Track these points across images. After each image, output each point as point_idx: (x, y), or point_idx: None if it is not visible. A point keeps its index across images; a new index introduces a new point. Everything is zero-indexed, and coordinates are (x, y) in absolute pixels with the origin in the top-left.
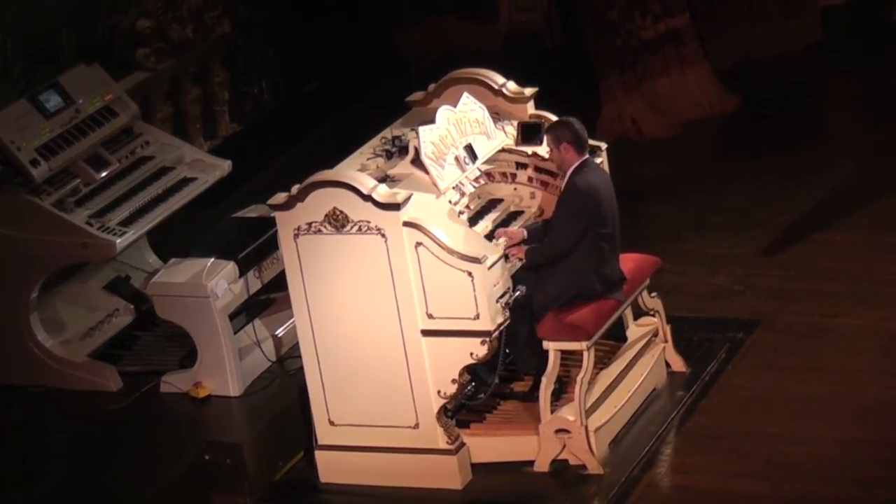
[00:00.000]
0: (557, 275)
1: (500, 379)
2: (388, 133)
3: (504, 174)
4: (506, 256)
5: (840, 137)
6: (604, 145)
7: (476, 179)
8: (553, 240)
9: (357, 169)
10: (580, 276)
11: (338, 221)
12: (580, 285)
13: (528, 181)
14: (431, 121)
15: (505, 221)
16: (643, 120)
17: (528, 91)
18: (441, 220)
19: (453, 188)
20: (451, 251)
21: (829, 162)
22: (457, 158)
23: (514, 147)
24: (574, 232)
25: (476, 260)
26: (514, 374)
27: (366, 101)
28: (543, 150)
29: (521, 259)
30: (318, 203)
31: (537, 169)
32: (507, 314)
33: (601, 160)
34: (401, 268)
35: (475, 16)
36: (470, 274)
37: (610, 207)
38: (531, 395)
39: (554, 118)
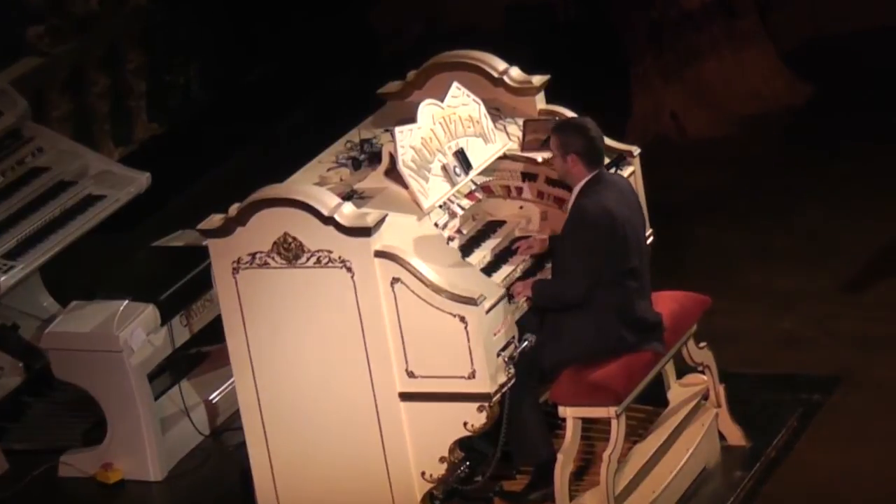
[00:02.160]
0: (575, 323)
1: (504, 455)
2: (354, 135)
3: (506, 188)
4: (509, 296)
5: None
6: (635, 150)
7: (470, 195)
8: (563, 282)
9: (315, 183)
10: (604, 327)
11: (290, 251)
12: (605, 338)
13: (537, 197)
14: (412, 119)
15: (507, 250)
16: (687, 116)
17: (537, 80)
18: (425, 249)
19: (440, 207)
20: (437, 289)
21: None
22: (445, 168)
23: (518, 153)
24: (583, 273)
25: (470, 301)
26: (509, 462)
27: (325, 93)
28: None
29: (528, 298)
30: (265, 227)
31: (549, 181)
32: (512, 371)
33: (632, 170)
34: (373, 312)
35: None
36: (463, 319)
37: (633, 234)
38: (525, 499)
39: (571, 114)
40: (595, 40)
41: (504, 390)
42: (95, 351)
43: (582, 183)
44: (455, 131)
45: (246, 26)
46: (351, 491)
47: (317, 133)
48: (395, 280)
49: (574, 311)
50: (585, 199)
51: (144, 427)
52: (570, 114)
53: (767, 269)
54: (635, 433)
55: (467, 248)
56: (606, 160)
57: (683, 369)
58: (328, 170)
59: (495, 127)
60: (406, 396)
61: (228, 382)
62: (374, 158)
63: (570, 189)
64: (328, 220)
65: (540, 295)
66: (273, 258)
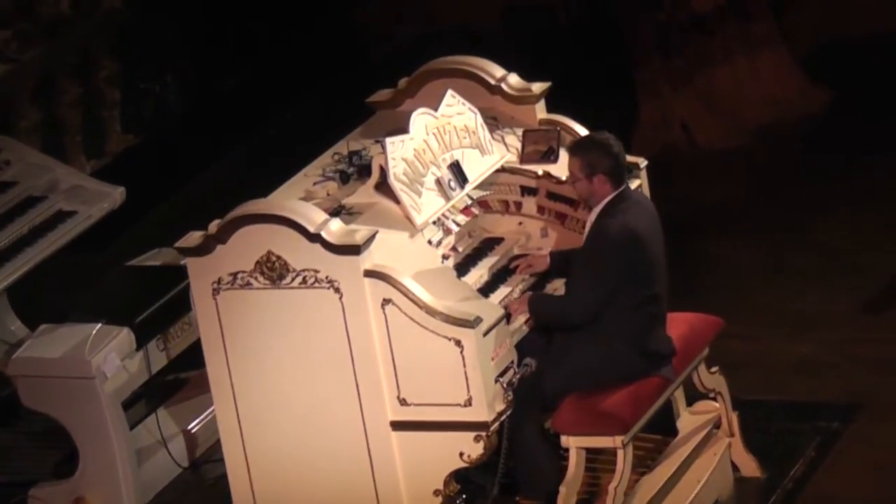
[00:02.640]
0: (582, 350)
1: (502, 488)
2: (342, 147)
3: (505, 203)
4: (508, 318)
5: None
6: (642, 162)
7: (466, 210)
8: (571, 300)
9: (300, 198)
10: (615, 355)
11: (274, 271)
12: (614, 366)
13: (538, 212)
14: (403, 130)
15: (506, 269)
16: (697, 124)
17: (537, 87)
18: (418, 268)
19: (434, 223)
20: (431, 311)
21: None
22: (439, 182)
23: (518, 165)
24: (594, 291)
25: (466, 323)
26: (508, 495)
27: (311, 102)
28: (560, 168)
29: (523, 313)
30: (247, 245)
31: (551, 195)
32: (511, 398)
33: (639, 183)
34: (362, 335)
35: None
36: (458, 343)
37: (658, 258)
38: None
39: (574, 126)
40: (599, 44)
41: (502, 419)
42: (66, 378)
43: (604, 202)
44: (450, 142)
45: (225, 31)
46: None
47: (302, 144)
48: (386, 301)
49: (584, 336)
50: (609, 219)
51: (119, 459)
52: (572, 124)
53: (783, 289)
54: (643, 464)
55: (463, 267)
56: None
57: (694, 396)
58: (314, 184)
59: (492, 138)
60: (398, 425)
61: (208, 411)
62: (364, 171)
63: (573, 204)
64: (315, 238)
65: (539, 310)
66: (256, 278)
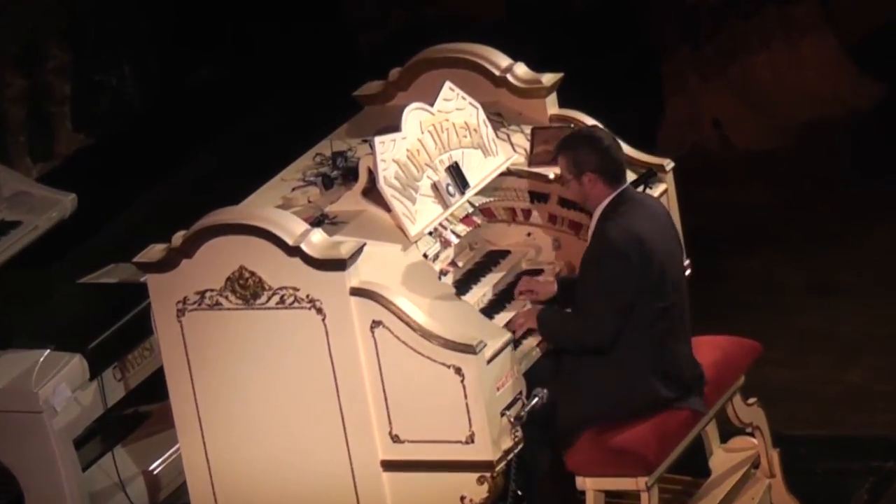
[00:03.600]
0: (596, 374)
1: None
2: (325, 147)
3: (511, 211)
4: (515, 342)
5: None
6: (668, 163)
7: (467, 219)
8: (587, 320)
9: (277, 205)
10: (632, 379)
11: (247, 289)
12: (633, 393)
13: (549, 221)
14: (395, 127)
15: (512, 287)
16: (730, 122)
17: (548, 79)
18: (412, 286)
19: (430, 234)
20: (427, 335)
21: None
22: (435, 186)
23: (526, 168)
24: (609, 312)
25: (468, 348)
26: None
27: (289, 97)
28: None
29: (530, 330)
30: (216, 260)
31: (564, 202)
32: (519, 434)
33: (664, 188)
34: (348, 362)
35: None
36: (458, 371)
37: (669, 265)
38: None
39: (589, 121)
40: (618, 30)
41: (510, 458)
42: (10, 412)
43: (604, 204)
44: (448, 142)
45: (192, 16)
46: None
47: (279, 145)
48: (376, 323)
49: (594, 360)
50: (608, 224)
51: (70, 502)
52: (588, 120)
53: (829, 310)
54: None
55: (464, 284)
56: (633, 176)
57: (729, 431)
58: (293, 189)
59: (497, 136)
60: (390, 465)
61: (173, 449)
62: (350, 175)
63: (589, 213)
64: (294, 251)
65: (551, 328)
66: (227, 297)
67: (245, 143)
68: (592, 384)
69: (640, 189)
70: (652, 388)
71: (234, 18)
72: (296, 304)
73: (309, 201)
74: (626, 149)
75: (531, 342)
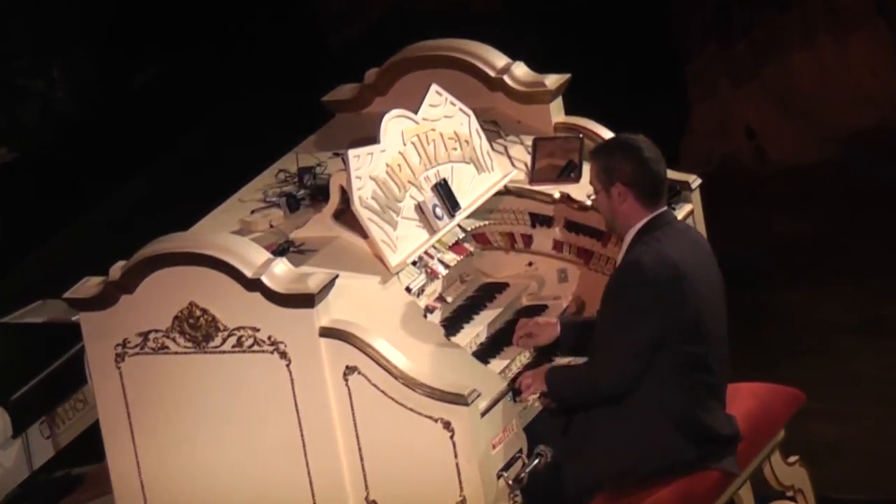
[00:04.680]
0: (612, 430)
1: None
2: (290, 162)
3: (509, 236)
4: (514, 391)
5: None
6: (694, 180)
7: (457, 247)
8: (600, 366)
9: (233, 231)
10: (655, 437)
11: (198, 330)
12: (655, 452)
13: (554, 249)
14: (372, 139)
15: (511, 326)
16: (767, 131)
17: (552, 81)
18: (392, 325)
19: (414, 264)
20: (410, 382)
21: None
22: (420, 208)
23: (526, 186)
24: (630, 350)
25: (459, 399)
26: None
27: (246, 103)
28: (583, 189)
29: (540, 396)
30: (162, 296)
31: (571, 226)
32: (519, 500)
33: (689, 209)
34: (317, 415)
35: None
36: (448, 425)
37: (710, 304)
38: None
39: (602, 132)
40: (634, 24)
41: None
42: None
43: (636, 228)
44: (435, 155)
45: (132, 14)
46: None
47: (235, 159)
48: (350, 370)
49: (612, 413)
50: (642, 249)
51: None
52: (600, 129)
53: (883, 353)
54: None
55: (453, 323)
56: None
57: (767, 494)
58: (252, 212)
59: (492, 149)
60: None
61: None
62: (319, 195)
63: (601, 237)
64: (253, 285)
65: (561, 388)
66: (174, 339)
67: (197, 156)
68: (607, 440)
69: None
70: (677, 446)
71: (183, 12)
72: (255, 348)
73: (271, 226)
74: None
75: (533, 395)
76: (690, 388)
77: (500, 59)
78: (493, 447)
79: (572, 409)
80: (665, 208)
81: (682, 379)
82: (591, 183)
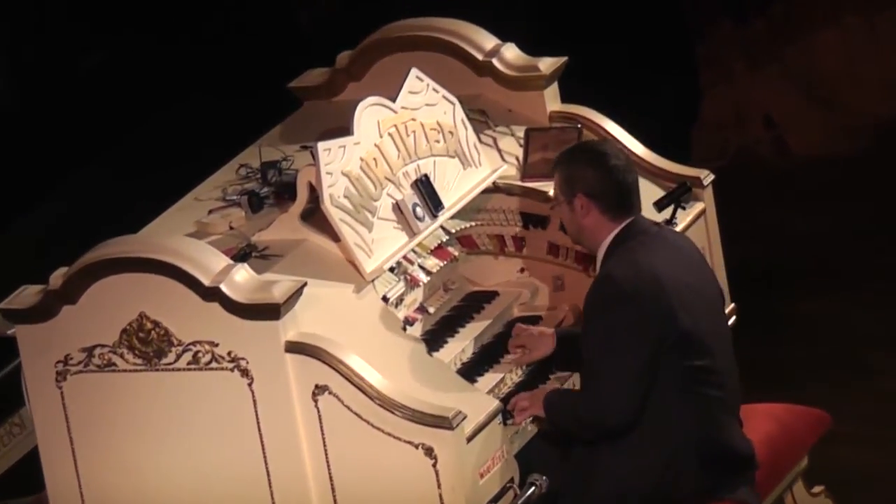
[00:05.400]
0: (614, 457)
1: None
2: (251, 156)
3: (499, 239)
4: (506, 413)
5: None
6: (706, 176)
7: (440, 251)
8: (595, 399)
9: (189, 233)
10: (664, 463)
11: (149, 344)
12: (663, 480)
13: (549, 253)
14: (345, 130)
15: (501, 339)
16: (789, 121)
17: (547, 65)
18: (367, 339)
19: (392, 270)
20: (388, 403)
21: None
22: (399, 207)
23: (518, 182)
24: (629, 377)
25: (442, 422)
26: None
27: (204, 89)
28: None
29: (536, 420)
30: (109, 307)
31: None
32: None
33: (701, 208)
34: (283, 440)
35: None
36: (430, 451)
37: (702, 311)
38: None
39: (604, 123)
40: (637, 1)
41: None
42: None
43: (607, 241)
44: (415, 148)
45: None
46: None
47: (193, 152)
48: (320, 389)
49: (614, 440)
50: (613, 264)
51: None
52: (600, 120)
53: None
54: None
55: (437, 337)
56: (659, 193)
57: None
58: (210, 212)
59: (480, 141)
60: None
61: None
62: (285, 193)
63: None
64: (211, 294)
65: (562, 417)
66: (122, 355)
67: (147, 150)
68: (608, 469)
69: (670, 210)
70: (687, 473)
71: None
72: (214, 365)
73: (231, 228)
74: (651, 157)
75: (527, 419)
76: (697, 404)
77: (489, 41)
78: (481, 476)
79: (571, 436)
80: (634, 216)
81: (688, 395)
82: (553, 195)
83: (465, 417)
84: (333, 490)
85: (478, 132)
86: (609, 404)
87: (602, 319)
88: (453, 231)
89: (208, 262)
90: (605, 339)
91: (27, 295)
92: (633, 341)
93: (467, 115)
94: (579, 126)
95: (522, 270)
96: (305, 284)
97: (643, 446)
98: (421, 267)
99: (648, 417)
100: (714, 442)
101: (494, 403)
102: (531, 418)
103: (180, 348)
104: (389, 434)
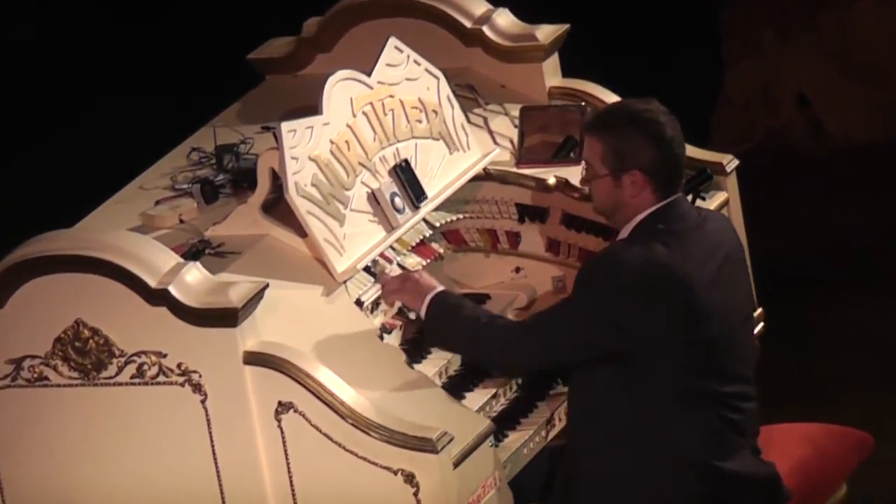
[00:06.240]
0: (616, 474)
1: None
2: (205, 138)
3: (491, 234)
4: (498, 435)
5: None
6: (729, 161)
7: (422, 247)
8: (515, 342)
9: (132, 227)
10: (672, 484)
11: (87, 355)
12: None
13: (548, 250)
14: (312, 109)
15: None
16: (825, 100)
17: (546, 32)
18: (338, 350)
19: (367, 270)
20: (362, 424)
21: None
22: (375, 198)
23: (512, 169)
24: (552, 344)
25: (425, 444)
26: None
27: (147, 62)
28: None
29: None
30: (40, 312)
31: (571, 220)
32: None
33: (723, 197)
34: (241, 464)
35: None
36: (410, 478)
37: (727, 323)
38: None
39: (609, 99)
40: None
41: None
42: None
43: (639, 218)
44: (394, 130)
45: None
46: None
47: (137, 136)
48: (284, 407)
49: (616, 462)
50: (627, 244)
51: None
52: (606, 95)
53: None
54: None
55: (418, 347)
56: None
57: None
58: (157, 202)
59: (468, 121)
60: None
61: None
62: (243, 181)
63: (607, 235)
64: (158, 298)
65: (446, 325)
66: (56, 368)
67: (85, 134)
68: (613, 488)
69: (689, 200)
70: (699, 497)
71: None
72: (161, 378)
73: (181, 221)
74: None
75: (523, 433)
76: (714, 423)
77: (479, 5)
78: None
79: (561, 449)
80: (678, 195)
81: (693, 413)
82: (587, 164)
83: (451, 439)
84: None
85: (466, 111)
86: (522, 360)
87: (584, 290)
88: (438, 225)
89: (155, 261)
90: (574, 304)
91: None
92: (595, 325)
93: (454, 92)
94: (583, 104)
95: (518, 270)
96: (267, 286)
97: (648, 464)
98: (400, 266)
99: (659, 432)
100: (727, 465)
101: (485, 423)
102: (395, 309)
103: (122, 360)
104: (364, 458)
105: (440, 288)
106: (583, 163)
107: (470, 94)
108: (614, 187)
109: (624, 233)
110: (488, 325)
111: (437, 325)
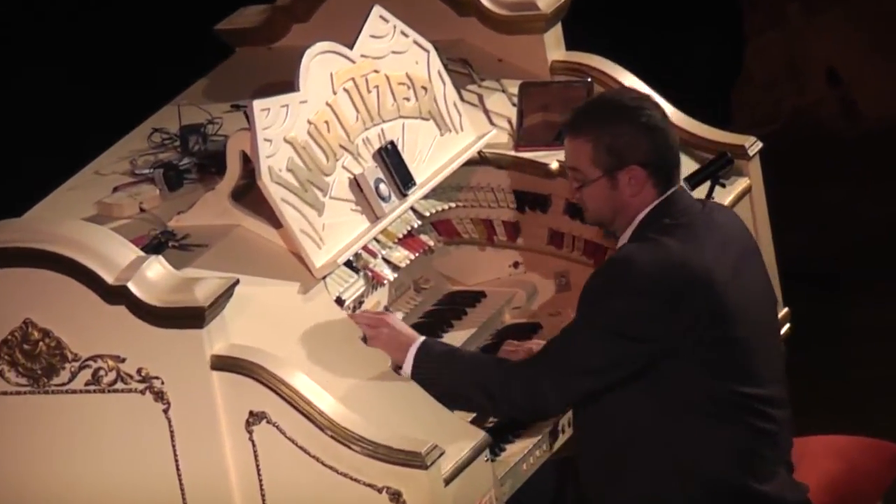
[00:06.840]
0: (630, 494)
1: None
2: (168, 117)
3: (486, 226)
4: (495, 448)
5: None
6: (752, 144)
7: (410, 240)
8: (522, 371)
9: (87, 217)
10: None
11: (36, 359)
12: None
13: (550, 243)
14: (288, 86)
15: (490, 351)
16: (857, 77)
17: (547, 2)
18: (317, 354)
19: (349, 264)
20: (343, 436)
21: None
22: (357, 184)
23: (511, 152)
24: (574, 375)
25: (413, 459)
26: None
27: (107, 34)
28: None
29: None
30: None
31: (576, 210)
32: None
33: (745, 183)
34: (208, 480)
35: None
36: (397, 497)
37: (750, 321)
38: None
39: (618, 76)
40: None
41: None
42: None
43: (641, 216)
44: (379, 108)
45: None
46: None
47: (92, 112)
48: (256, 417)
49: (631, 468)
50: (636, 243)
51: None
52: (614, 71)
53: None
54: None
55: None
56: (694, 166)
57: None
58: (115, 189)
59: (461, 98)
60: None
61: None
62: (210, 165)
63: (614, 236)
64: (116, 296)
65: (443, 375)
66: (2, 374)
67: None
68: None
69: (706, 187)
70: None
71: None
72: (119, 385)
73: (141, 210)
74: (683, 121)
75: (523, 445)
76: (734, 436)
77: None
78: None
79: (567, 462)
80: (678, 186)
81: (722, 424)
82: (574, 169)
83: (442, 453)
84: None
85: (459, 88)
86: (549, 396)
87: (599, 302)
88: (427, 215)
89: (112, 255)
90: (588, 323)
91: None
92: (612, 342)
93: (445, 66)
94: (589, 80)
95: (516, 265)
96: (237, 283)
97: (665, 480)
98: (385, 260)
99: (674, 447)
100: (757, 484)
101: (480, 435)
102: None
103: (76, 364)
104: (345, 474)
105: (420, 338)
106: (569, 172)
107: (463, 68)
108: (611, 189)
109: (624, 238)
110: (496, 373)
111: (430, 378)
